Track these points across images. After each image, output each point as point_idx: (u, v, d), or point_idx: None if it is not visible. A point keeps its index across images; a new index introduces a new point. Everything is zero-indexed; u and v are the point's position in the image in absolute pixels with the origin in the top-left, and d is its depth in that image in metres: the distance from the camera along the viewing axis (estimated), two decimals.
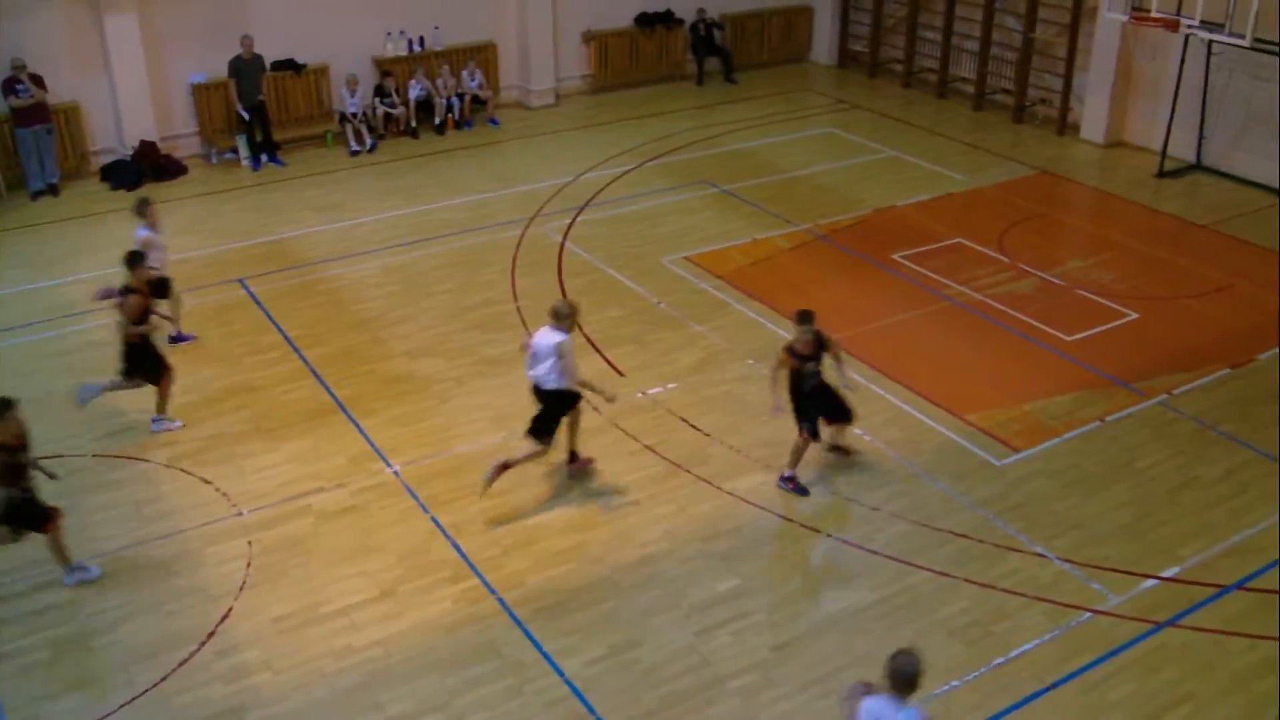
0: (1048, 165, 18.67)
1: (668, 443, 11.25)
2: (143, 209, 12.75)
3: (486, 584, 9.38)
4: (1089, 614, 9.11)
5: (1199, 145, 18.46)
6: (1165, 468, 10.96)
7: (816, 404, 10.33)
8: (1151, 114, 19.01)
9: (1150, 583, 9.45)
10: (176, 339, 13.00)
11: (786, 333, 13.21)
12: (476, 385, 12.24)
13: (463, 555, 9.71)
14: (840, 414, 10.57)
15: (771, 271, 14.82)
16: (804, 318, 9.99)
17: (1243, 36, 15.79)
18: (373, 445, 11.20)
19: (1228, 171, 18.07)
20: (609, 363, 12.63)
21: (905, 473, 10.83)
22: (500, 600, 9.20)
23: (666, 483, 10.68)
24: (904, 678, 6.21)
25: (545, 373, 10.02)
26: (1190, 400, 12.04)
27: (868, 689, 6.39)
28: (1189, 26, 16.57)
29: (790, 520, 10.18)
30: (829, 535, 10.02)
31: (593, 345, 12.96)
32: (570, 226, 16.15)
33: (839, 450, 10.97)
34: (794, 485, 10.51)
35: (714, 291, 14.28)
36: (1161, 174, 18.17)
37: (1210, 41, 17.11)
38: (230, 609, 9.13)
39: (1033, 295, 14.16)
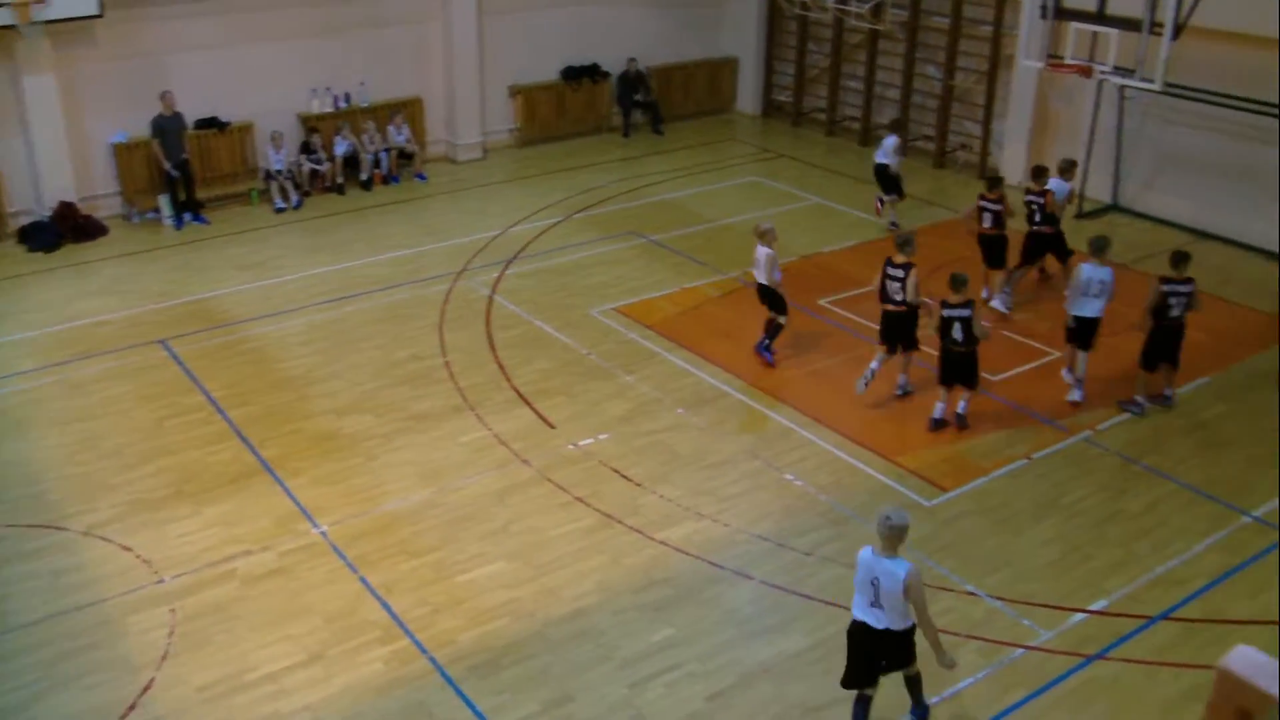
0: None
1: (599, 494, 11.20)
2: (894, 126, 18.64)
3: (418, 643, 9.22)
4: (1021, 650, 9.16)
5: (1115, 186, 18.91)
6: (1091, 502, 11.10)
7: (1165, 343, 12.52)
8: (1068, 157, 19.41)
9: (1079, 617, 9.53)
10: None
11: (716, 380, 13.28)
12: (404, 441, 12.11)
13: (393, 615, 9.55)
14: (1175, 359, 12.71)
15: (700, 320, 14.89)
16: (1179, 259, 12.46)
17: (1153, 81, 16.23)
18: (299, 505, 11.01)
19: (1143, 211, 18.52)
20: (539, 414, 12.57)
21: (837, 515, 10.85)
22: (431, 660, 9.05)
23: (598, 534, 10.61)
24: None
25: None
26: (1113, 435, 12.23)
27: None
28: (1102, 73, 16.99)
29: (724, 568, 10.15)
30: (762, 582, 10.00)
31: (522, 397, 12.91)
32: (499, 280, 16.12)
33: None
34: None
35: (643, 341, 14.30)
36: (1080, 215, 18.55)
37: (1123, 87, 17.57)
38: (153, 680, 8.88)
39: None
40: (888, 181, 18.09)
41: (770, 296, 13.57)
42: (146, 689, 8.77)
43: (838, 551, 10.30)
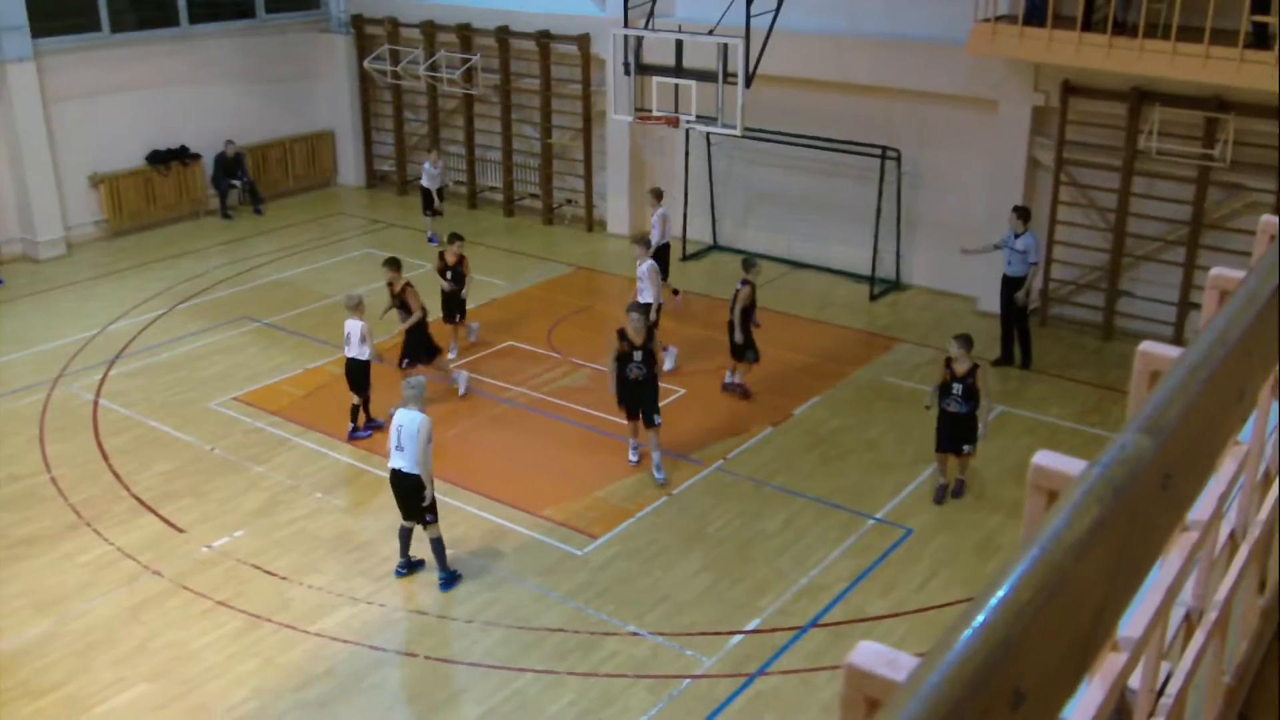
0: (582, 261, 19.56)
1: (243, 594, 10.54)
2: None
3: None
4: (687, 680, 9.40)
5: (713, 227, 20.05)
6: (732, 528, 11.60)
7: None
8: (669, 203, 20.42)
9: (737, 638, 9.91)
10: None
11: (351, 459, 12.88)
12: (11, 572, 10.91)
13: None
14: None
15: (327, 400, 14.40)
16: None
17: (734, 127, 17.35)
18: None
19: (741, 248, 19.72)
20: (166, 520, 11.70)
21: (493, 579, 10.76)
22: None
23: (247, 637, 9.97)
24: None
25: None
26: (743, 461, 12.87)
27: None
28: (687, 122, 17.98)
29: (385, 650, 9.80)
30: (427, 657, 9.73)
31: (144, 505, 11.97)
32: (103, 382, 14.94)
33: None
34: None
35: (270, 429, 13.66)
36: (685, 257, 19.53)
37: (708, 134, 18.69)
38: None
39: (587, 386, 14.66)
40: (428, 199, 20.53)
41: (357, 373, 13.19)
42: None
43: (498, 615, 10.21)
